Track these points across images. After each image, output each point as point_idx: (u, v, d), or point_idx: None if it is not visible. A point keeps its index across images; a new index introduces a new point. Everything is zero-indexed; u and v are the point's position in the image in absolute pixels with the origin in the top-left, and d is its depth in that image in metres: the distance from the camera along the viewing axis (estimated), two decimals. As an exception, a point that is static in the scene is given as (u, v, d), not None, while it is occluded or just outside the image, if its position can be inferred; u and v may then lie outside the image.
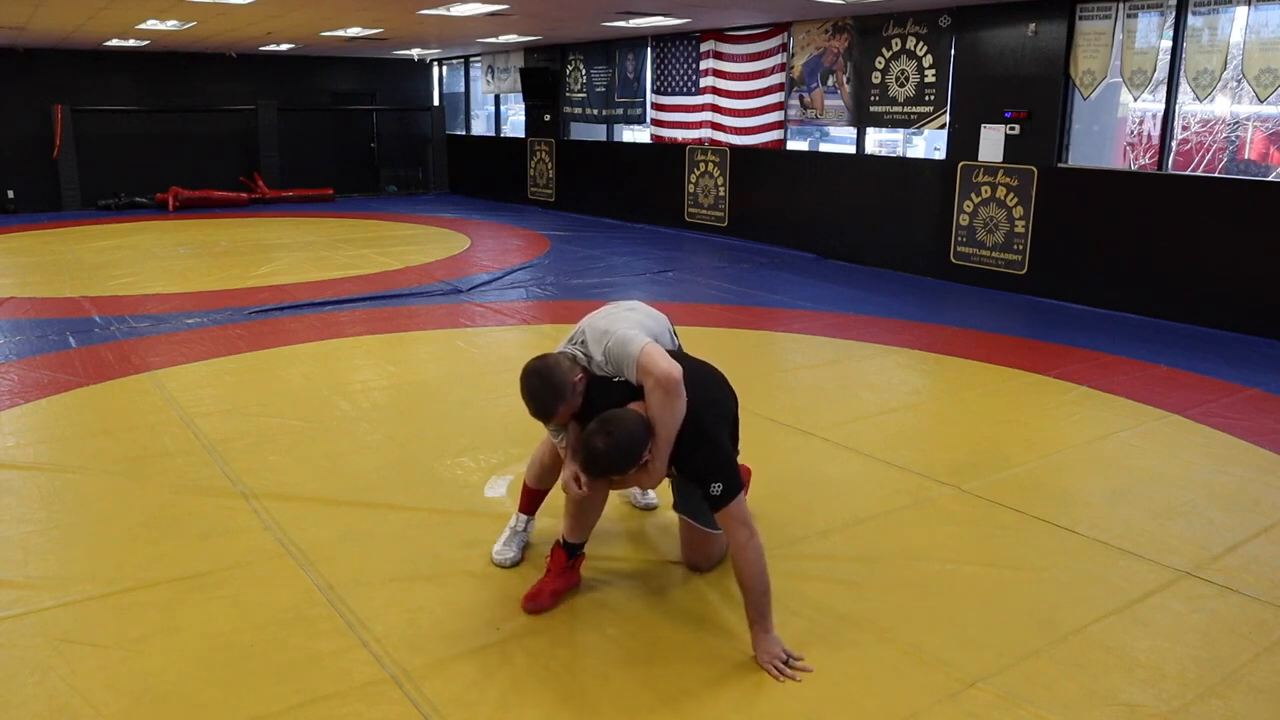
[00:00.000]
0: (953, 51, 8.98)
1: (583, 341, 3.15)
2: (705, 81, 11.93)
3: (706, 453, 2.93)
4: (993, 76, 8.64)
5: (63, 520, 3.79)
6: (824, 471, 4.41)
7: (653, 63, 12.75)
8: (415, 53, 16.15)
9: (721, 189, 11.95)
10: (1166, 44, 7.49)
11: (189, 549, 3.55)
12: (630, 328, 3.09)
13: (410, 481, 4.22)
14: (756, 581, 2.84)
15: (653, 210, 13.16)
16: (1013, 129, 8.53)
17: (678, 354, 3.20)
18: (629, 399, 2.99)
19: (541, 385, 2.99)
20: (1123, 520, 3.88)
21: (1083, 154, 8.43)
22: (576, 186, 14.68)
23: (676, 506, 3.42)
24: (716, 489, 2.87)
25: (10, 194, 14.70)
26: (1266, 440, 4.81)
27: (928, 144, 11.18)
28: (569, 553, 3.23)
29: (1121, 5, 7.71)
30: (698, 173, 12.28)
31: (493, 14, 10.14)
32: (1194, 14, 7.28)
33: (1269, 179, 8.12)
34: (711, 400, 3.09)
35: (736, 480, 2.91)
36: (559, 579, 3.21)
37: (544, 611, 3.14)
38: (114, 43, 13.78)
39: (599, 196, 14.15)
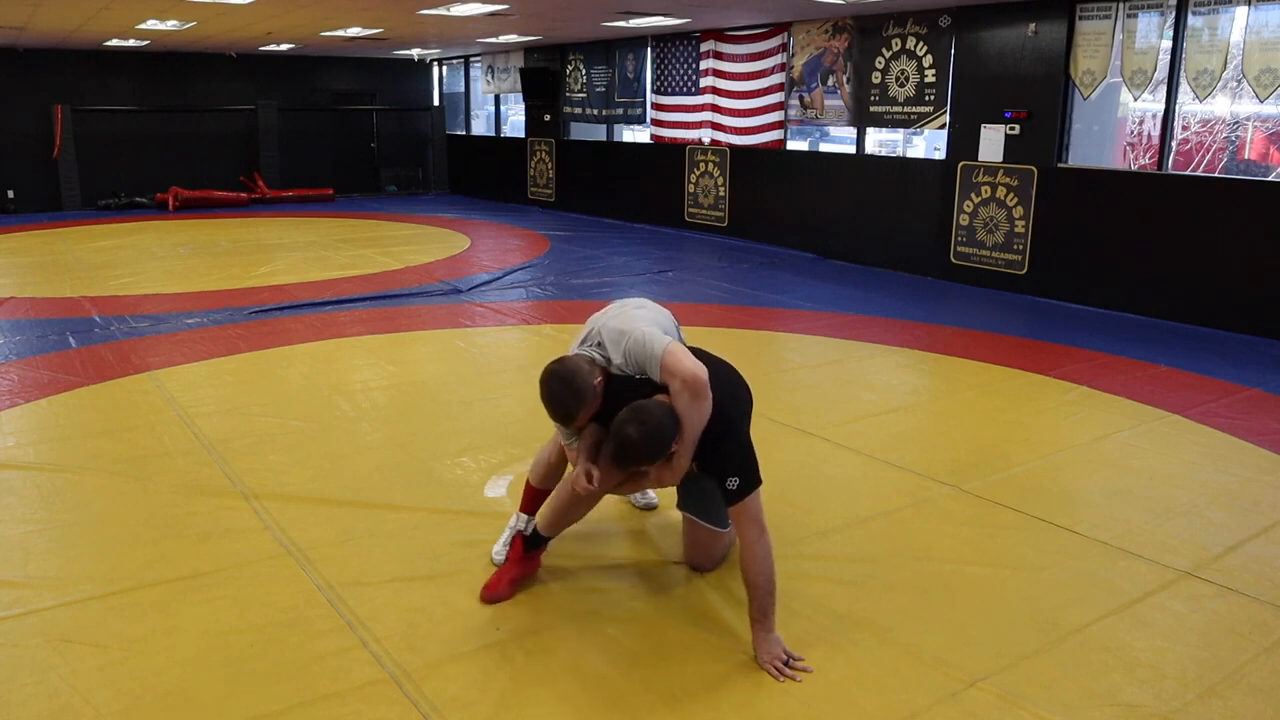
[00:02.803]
0: (953, 51, 8.98)
1: (599, 343, 3.12)
2: (705, 81, 11.92)
3: (731, 446, 2.94)
4: (993, 76, 8.64)
5: (63, 520, 3.79)
6: (824, 471, 4.41)
7: (653, 63, 12.74)
8: (415, 53, 16.15)
9: (721, 189, 11.94)
10: (1166, 44, 7.48)
11: (189, 549, 3.55)
12: (647, 326, 3.09)
13: (410, 481, 4.22)
14: (763, 580, 2.84)
15: (653, 210, 13.15)
16: (1013, 129, 8.53)
17: (698, 352, 3.18)
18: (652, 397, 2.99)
19: (563, 389, 2.96)
20: (1122, 520, 3.88)
21: (1083, 154, 8.43)
22: (576, 186, 14.68)
23: (681, 505, 3.41)
24: (733, 483, 2.88)
25: (10, 194, 14.71)
26: (1266, 440, 4.82)
27: (928, 144, 11.18)
28: (532, 544, 3.24)
29: (1121, 5, 7.71)
30: (698, 173, 12.28)
31: (493, 14, 10.15)
32: (1194, 14, 7.28)
33: (1269, 179, 8.11)
34: (735, 398, 3.11)
35: (755, 476, 2.92)
36: (516, 567, 3.23)
37: (502, 601, 3.15)
38: (114, 43, 13.78)
39: (599, 196, 14.14)
